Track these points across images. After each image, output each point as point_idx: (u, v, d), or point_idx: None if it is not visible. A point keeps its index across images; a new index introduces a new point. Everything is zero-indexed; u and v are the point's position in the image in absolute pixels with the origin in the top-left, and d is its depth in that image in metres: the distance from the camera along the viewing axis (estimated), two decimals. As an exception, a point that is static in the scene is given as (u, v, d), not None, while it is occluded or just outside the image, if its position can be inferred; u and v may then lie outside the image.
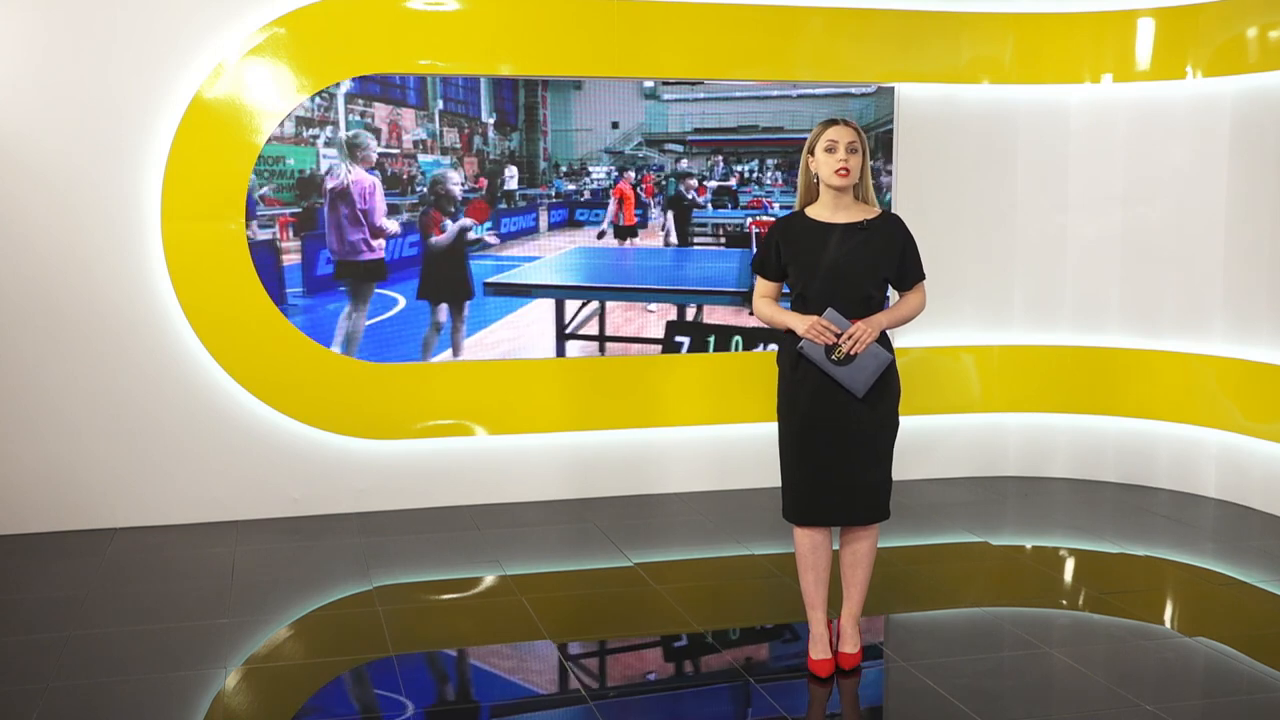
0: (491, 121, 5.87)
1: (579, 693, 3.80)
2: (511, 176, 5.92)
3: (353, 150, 5.64)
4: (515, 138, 5.92)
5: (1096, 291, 6.38)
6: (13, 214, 5.34)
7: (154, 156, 5.42)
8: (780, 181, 6.19)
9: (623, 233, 6.09)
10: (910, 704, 3.77)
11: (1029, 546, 5.44)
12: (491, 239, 5.75)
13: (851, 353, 3.67)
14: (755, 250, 3.95)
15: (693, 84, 6.05)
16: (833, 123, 3.74)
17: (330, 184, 5.65)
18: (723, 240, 6.18)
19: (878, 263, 3.76)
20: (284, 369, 5.67)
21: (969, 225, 6.39)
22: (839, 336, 3.67)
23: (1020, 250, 6.45)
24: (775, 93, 6.12)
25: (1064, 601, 4.77)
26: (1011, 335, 6.52)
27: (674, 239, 6.10)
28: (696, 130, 6.12)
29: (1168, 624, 4.48)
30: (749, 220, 6.18)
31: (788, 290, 3.87)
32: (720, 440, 6.24)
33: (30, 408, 5.44)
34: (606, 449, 6.11)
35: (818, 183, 3.78)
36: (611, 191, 6.01)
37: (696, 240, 6.16)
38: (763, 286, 3.89)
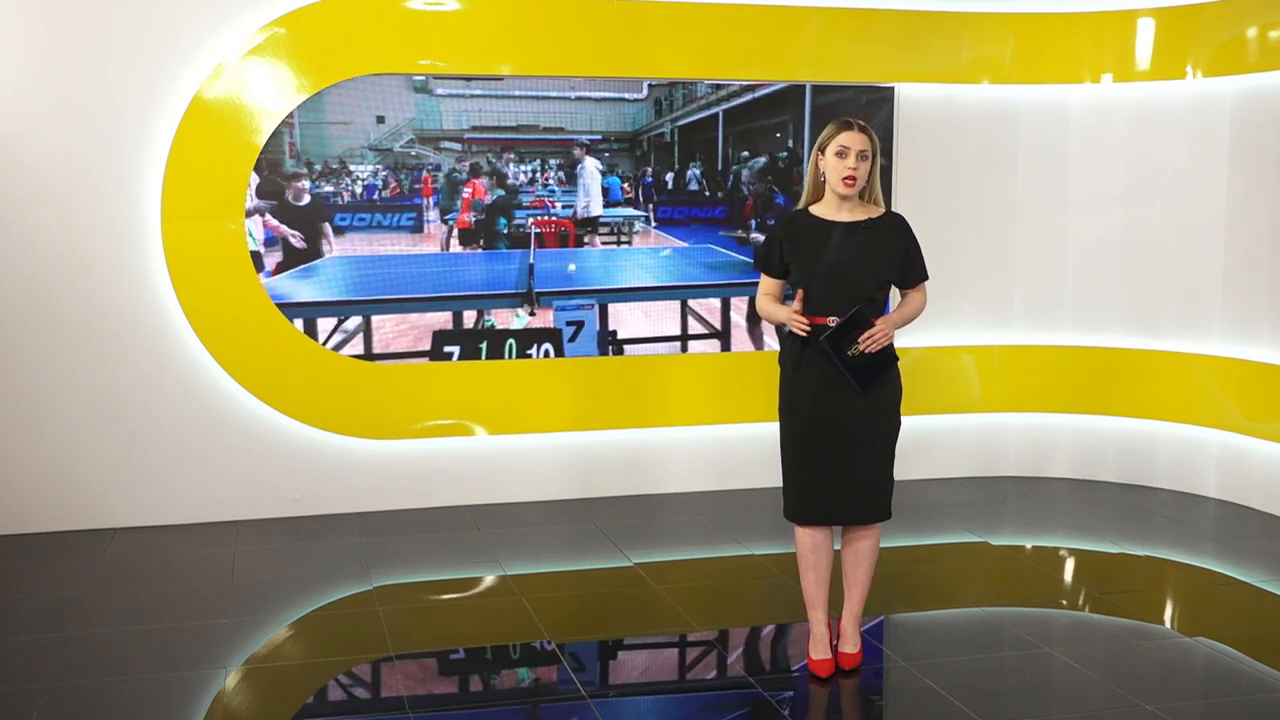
0: None
1: (579, 692, 3.80)
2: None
3: None
4: None
5: (1096, 291, 6.37)
6: (13, 214, 5.34)
7: (154, 156, 5.41)
8: (564, 180, 5.87)
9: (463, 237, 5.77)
10: (910, 704, 3.77)
11: (1029, 546, 5.44)
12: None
13: (868, 351, 3.67)
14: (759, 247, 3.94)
15: (467, 79, 5.65)
16: (847, 126, 3.69)
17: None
18: (505, 243, 5.87)
19: (879, 263, 3.75)
20: (284, 369, 5.67)
21: (969, 225, 6.39)
22: (859, 335, 3.66)
23: (1020, 250, 6.45)
24: (554, 93, 5.80)
25: (1064, 601, 4.77)
26: (1011, 335, 6.52)
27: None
28: (474, 128, 5.75)
29: (1168, 624, 4.48)
30: (530, 220, 5.89)
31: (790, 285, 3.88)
32: (720, 440, 6.24)
33: (30, 408, 5.44)
34: (606, 449, 6.11)
35: (824, 181, 3.78)
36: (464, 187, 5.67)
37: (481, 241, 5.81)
38: (765, 284, 3.89)
